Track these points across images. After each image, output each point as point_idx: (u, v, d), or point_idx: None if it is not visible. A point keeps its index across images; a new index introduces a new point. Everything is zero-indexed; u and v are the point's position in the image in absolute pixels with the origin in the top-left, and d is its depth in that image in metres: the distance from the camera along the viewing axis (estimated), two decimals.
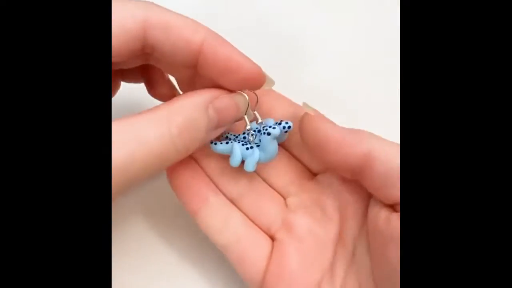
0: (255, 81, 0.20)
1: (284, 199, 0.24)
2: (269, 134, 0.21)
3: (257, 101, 0.23)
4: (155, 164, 0.18)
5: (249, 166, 0.21)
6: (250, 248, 0.22)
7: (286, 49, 0.33)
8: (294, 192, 0.23)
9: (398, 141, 0.18)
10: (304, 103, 0.22)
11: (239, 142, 0.22)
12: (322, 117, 0.21)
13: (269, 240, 0.23)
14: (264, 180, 0.24)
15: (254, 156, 0.21)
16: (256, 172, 0.24)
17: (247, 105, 0.21)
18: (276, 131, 0.21)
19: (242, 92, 0.21)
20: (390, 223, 0.19)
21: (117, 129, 0.17)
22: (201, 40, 0.19)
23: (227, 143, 0.22)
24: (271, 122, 0.22)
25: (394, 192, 0.19)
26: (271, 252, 0.22)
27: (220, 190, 0.23)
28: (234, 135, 0.23)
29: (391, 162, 0.19)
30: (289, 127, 0.22)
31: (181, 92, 0.24)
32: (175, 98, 0.19)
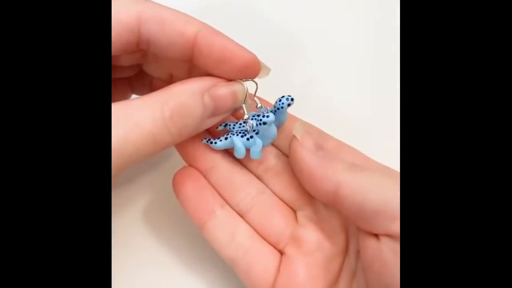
0: (250, 69, 0.21)
1: (294, 211, 0.23)
2: (264, 123, 0.21)
3: (256, 89, 0.23)
4: (149, 146, 0.18)
5: (255, 154, 0.22)
6: (257, 262, 0.22)
7: (283, 47, 0.33)
8: (304, 205, 0.23)
9: (397, 141, 0.18)
10: (298, 123, 0.21)
11: (237, 135, 0.22)
12: (306, 141, 0.21)
13: (277, 253, 0.22)
14: (274, 192, 0.24)
15: (257, 145, 0.22)
16: (265, 184, 0.24)
17: (245, 94, 0.21)
18: (271, 118, 0.21)
19: (240, 81, 0.21)
20: (371, 251, 0.19)
21: (114, 111, 0.17)
22: (195, 32, 0.19)
23: (226, 138, 0.22)
24: (263, 110, 0.22)
25: (367, 226, 0.19)
26: (279, 266, 0.22)
27: (227, 202, 0.23)
28: (233, 124, 0.23)
29: (358, 199, 0.19)
30: (292, 99, 0.22)
31: None
32: (172, 84, 0.20)
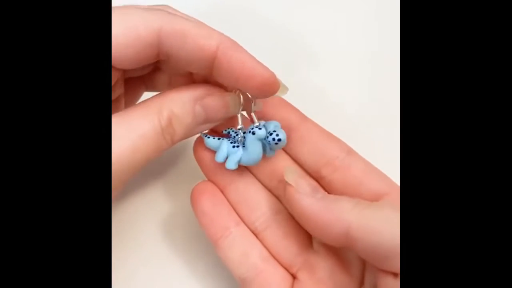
0: (269, 88, 0.20)
1: (310, 235, 0.23)
2: (253, 133, 0.21)
3: (253, 106, 0.22)
4: (152, 154, 0.19)
5: (230, 164, 0.22)
6: (269, 284, 0.21)
7: (291, 51, 0.33)
8: None
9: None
10: (288, 169, 0.21)
11: (228, 140, 0.22)
12: (302, 186, 0.20)
13: (289, 277, 0.22)
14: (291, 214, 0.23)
15: (236, 154, 0.21)
16: (283, 205, 0.23)
17: (239, 105, 0.22)
18: (262, 132, 0.21)
19: (233, 93, 0.21)
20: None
21: (118, 123, 0.18)
22: (216, 47, 0.19)
23: (218, 139, 0.22)
24: (271, 125, 0.22)
25: (383, 265, 0.18)
26: None
27: (243, 220, 0.23)
28: (234, 132, 0.22)
29: (372, 239, 0.18)
30: (279, 139, 0.21)
31: None
32: (166, 92, 0.21)
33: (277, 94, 0.21)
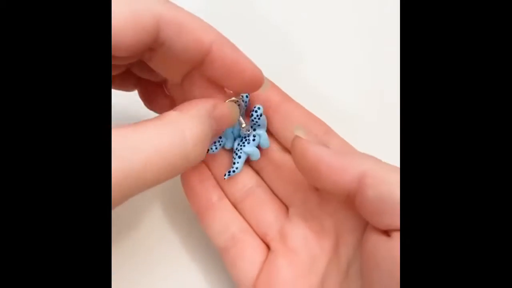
0: (256, 83, 0.21)
1: (287, 208, 0.24)
2: (239, 157, 0.23)
3: (241, 110, 0.23)
4: (167, 171, 0.18)
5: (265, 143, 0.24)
6: (245, 254, 0.23)
7: (283, 49, 0.33)
8: (297, 202, 0.23)
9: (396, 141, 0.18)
10: (297, 126, 0.22)
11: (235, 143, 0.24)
12: (313, 140, 0.21)
13: (265, 248, 0.23)
14: (270, 187, 0.24)
15: (263, 137, 0.24)
16: (263, 178, 0.25)
17: (238, 113, 0.23)
18: (252, 147, 0.23)
19: (232, 103, 0.22)
20: (381, 249, 0.18)
21: (132, 135, 0.17)
22: (211, 42, 0.19)
23: (220, 144, 0.24)
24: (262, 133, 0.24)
25: (386, 219, 0.18)
26: (265, 260, 0.23)
27: (225, 193, 0.24)
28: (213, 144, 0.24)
29: (383, 188, 0.18)
30: (258, 109, 0.23)
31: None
32: (181, 107, 0.19)
33: (260, 90, 0.22)
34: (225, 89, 0.22)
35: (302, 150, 0.20)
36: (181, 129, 0.18)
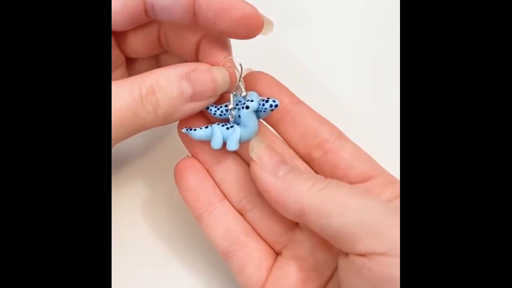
0: (251, 22, 0.20)
1: None
2: (247, 107, 0.21)
3: (241, 72, 0.22)
4: (130, 120, 0.19)
5: (232, 145, 0.21)
6: (252, 258, 0.22)
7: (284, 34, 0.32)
8: None
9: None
10: (253, 141, 0.21)
11: (218, 124, 0.22)
12: (265, 161, 0.20)
13: (272, 253, 0.23)
14: None
15: (235, 133, 0.21)
16: None
17: (226, 79, 0.21)
18: (255, 103, 0.21)
19: (221, 67, 0.21)
20: (341, 267, 0.19)
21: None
22: None
23: (206, 127, 0.22)
24: (254, 95, 0.21)
25: (335, 245, 0.19)
26: (272, 266, 0.22)
27: (229, 198, 0.23)
28: (215, 107, 0.22)
29: (323, 224, 0.18)
30: (276, 105, 0.21)
31: None
32: (155, 69, 0.21)
33: (263, 32, 0.20)
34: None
35: (254, 178, 0.20)
36: (139, 81, 0.20)
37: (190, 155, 0.23)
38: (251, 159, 0.20)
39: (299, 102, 0.23)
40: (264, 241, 0.23)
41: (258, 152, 0.20)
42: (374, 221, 0.18)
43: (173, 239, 0.27)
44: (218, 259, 0.24)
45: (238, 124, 0.21)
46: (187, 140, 0.23)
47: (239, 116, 0.21)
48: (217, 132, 0.21)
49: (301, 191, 0.19)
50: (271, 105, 0.21)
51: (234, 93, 0.22)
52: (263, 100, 0.21)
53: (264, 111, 0.21)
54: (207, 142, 0.22)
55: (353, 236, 0.18)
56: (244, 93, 0.22)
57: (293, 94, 0.23)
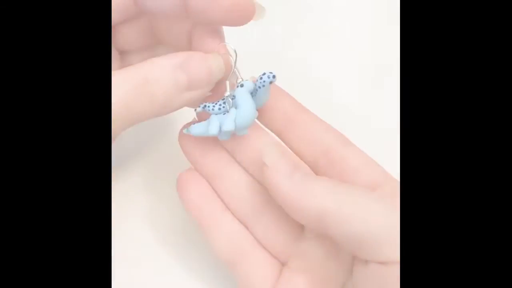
0: (241, 8, 0.20)
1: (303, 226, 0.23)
2: (242, 85, 0.20)
3: (236, 59, 0.21)
4: (124, 114, 0.19)
5: (227, 125, 0.20)
6: (257, 269, 0.22)
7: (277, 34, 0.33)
8: None
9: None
10: (265, 149, 0.20)
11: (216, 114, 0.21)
12: (280, 166, 0.19)
13: (277, 263, 0.22)
14: None
15: (230, 114, 0.20)
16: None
17: (221, 66, 0.21)
18: (250, 83, 0.20)
19: (216, 53, 0.21)
20: (358, 275, 0.19)
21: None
22: None
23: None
24: (249, 83, 0.21)
25: (355, 253, 0.18)
26: (279, 277, 0.22)
27: (231, 210, 0.23)
28: (212, 104, 0.21)
29: (344, 229, 0.18)
30: (273, 76, 0.20)
31: None
32: (148, 59, 0.20)
33: (255, 18, 0.20)
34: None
35: (268, 185, 0.20)
36: (135, 70, 0.19)
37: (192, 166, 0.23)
38: (264, 164, 0.20)
39: (303, 110, 0.22)
40: (269, 251, 0.22)
41: (271, 157, 0.20)
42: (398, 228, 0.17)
43: (176, 245, 0.27)
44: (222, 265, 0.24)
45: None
46: (188, 152, 0.23)
47: (234, 97, 0.21)
48: (213, 118, 0.21)
49: (321, 195, 0.18)
50: (268, 77, 0.20)
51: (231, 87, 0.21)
52: (259, 77, 0.20)
53: (263, 86, 0.20)
54: (208, 154, 0.21)
55: (376, 242, 0.17)
56: (240, 80, 0.21)
57: (296, 101, 0.23)
